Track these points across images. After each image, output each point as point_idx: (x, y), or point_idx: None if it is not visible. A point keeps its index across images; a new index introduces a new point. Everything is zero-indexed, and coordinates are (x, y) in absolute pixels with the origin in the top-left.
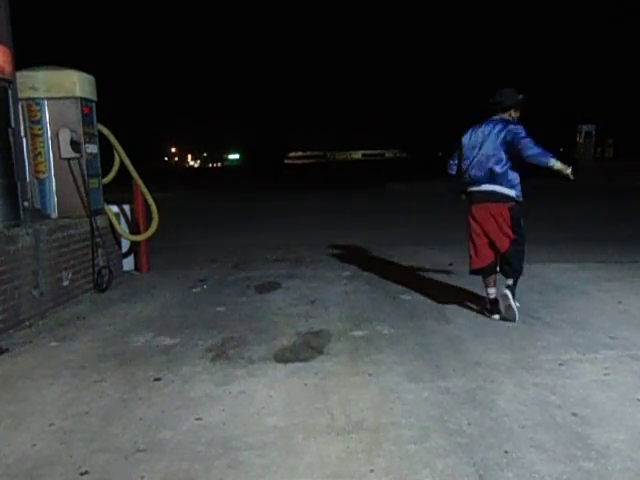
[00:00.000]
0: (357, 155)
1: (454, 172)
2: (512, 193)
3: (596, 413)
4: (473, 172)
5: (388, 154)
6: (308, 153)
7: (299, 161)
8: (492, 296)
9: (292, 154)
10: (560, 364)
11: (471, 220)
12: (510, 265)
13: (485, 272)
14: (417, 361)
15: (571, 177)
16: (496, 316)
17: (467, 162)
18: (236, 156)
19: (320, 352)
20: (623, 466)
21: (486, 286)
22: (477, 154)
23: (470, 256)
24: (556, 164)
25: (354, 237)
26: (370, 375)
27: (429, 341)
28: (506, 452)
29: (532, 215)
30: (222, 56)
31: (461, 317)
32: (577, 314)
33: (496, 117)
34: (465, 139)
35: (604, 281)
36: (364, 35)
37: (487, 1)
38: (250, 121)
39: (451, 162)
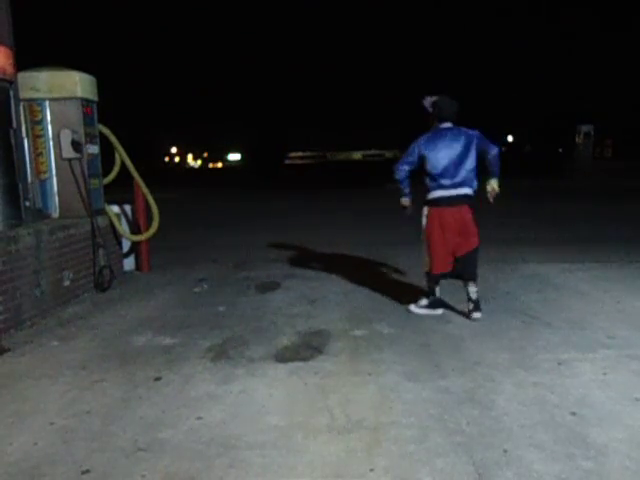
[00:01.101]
0: (357, 155)
1: (404, 175)
2: (472, 194)
3: (595, 412)
4: (453, 180)
5: (388, 154)
6: (308, 153)
7: (299, 161)
8: (438, 294)
9: (292, 154)
10: (559, 363)
11: (438, 225)
12: (472, 265)
13: (444, 277)
14: (416, 360)
15: (490, 199)
16: (440, 310)
17: (440, 169)
18: (237, 156)
19: (320, 352)
20: (622, 465)
21: (436, 285)
22: (453, 162)
23: (431, 261)
24: (496, 182)
25: (354, 237)
26: (370, 375)
27: (428, 340)
28: (505, 451)
29: (531, 215)
30: (223, 56)
31: (460, 317)
32: (576, 314)
33: (450, 125)
34: (428, 148)
35: (603, 281)
36: (364, 36)
37: (487, 2)
38: (250, 121)
39: (403, 166)
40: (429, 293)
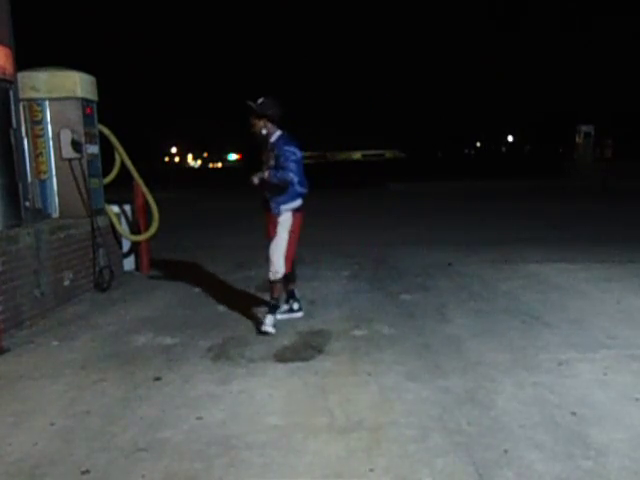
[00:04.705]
0: (357, 155)
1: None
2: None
3: (595, 412)
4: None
5: (388, 154)
6: (308, 153)
7: None
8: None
9: None
10: (559, 364)
11: (298, 229)
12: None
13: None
14: (417, 361)
15: (255, 180)
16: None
17: (302, 177)
18: (237, 156)
19: (320, 351)
20: (621, 465)
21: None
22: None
23: (284, 264)
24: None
25: (353, 237)
26: (370, 375)
27: (429, 341)
28: (505, 451)
29: (531, 215)
30: (222, 57)
31: (461, 317)
32: (576, 314)
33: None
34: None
35: (603, 281)
36: (364, 35)
37: (489, 2)
38: (250, 121)
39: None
40: (277, 300)
